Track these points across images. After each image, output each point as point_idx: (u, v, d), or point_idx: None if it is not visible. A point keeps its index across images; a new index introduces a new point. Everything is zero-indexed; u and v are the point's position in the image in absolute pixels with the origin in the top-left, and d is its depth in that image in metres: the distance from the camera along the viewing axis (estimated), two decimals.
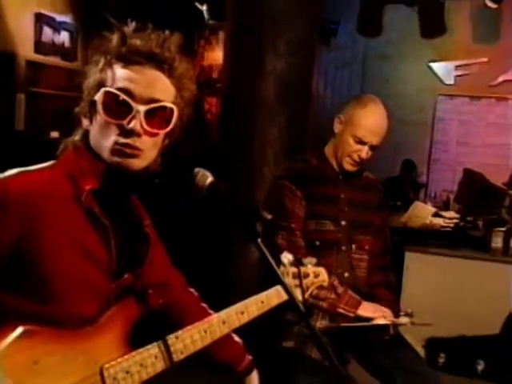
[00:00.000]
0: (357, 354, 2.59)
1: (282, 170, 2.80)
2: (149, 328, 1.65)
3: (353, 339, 2.52)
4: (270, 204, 2.65)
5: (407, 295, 4.16)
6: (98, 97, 1.54)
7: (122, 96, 1.52)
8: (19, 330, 1.41)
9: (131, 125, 1.52)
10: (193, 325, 1.65)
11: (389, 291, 2.80)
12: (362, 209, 2.73)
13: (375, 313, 2.55)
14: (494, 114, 8.84)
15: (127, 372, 1.52)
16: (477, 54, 8.39)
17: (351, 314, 2.53)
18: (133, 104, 1.52)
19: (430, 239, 4.85)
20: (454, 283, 4.52)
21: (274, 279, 1.60)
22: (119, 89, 1.53)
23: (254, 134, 4.46)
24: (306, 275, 1.93)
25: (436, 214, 5.16)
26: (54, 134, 7.39)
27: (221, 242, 4.37)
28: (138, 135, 1.53)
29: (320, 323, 2.55)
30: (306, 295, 1.95)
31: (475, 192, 5.74)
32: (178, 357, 1.60)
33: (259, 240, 1.52)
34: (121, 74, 1.55)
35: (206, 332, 1.65)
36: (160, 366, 1.57)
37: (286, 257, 1.87)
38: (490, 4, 6.63)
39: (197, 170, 1.61)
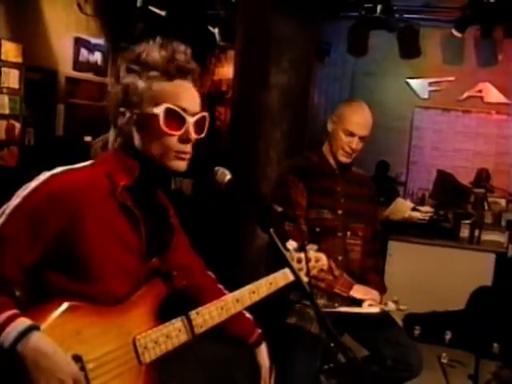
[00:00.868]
0: (349, 328, 2.55)
1: (286, 167, 2.77)
2: (173, 305, 1.63)
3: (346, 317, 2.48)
4: (276, 196, 2.61)
5: (390, 277, 4.12)
6: (159, 111, 1.50)
7: (180, 112, 1.51)
8: (65, 305, 1.40)
9: (188, 135, 1.53)
10: (211, 303, 1.64)
11: (377, 274, 2.76)
12: (356, 200, 2.68)
13: (365, 295, 2.53)
14: (461, 124, 8.87)
15: (156, 342, 1.52)
16: (446, 73, 8.43)
17: (345, 294, 2.52)
18: (186, 117, 1.52)
19: (409, 230, 4.86)
20: (429, 267, 4.54)
21: (279, 261, 1.57)
22: (175, 105, 1.51)
23: (259, 138, 4.45)
24: (309, 260, 1.90)
25: (414, 209, 5.14)
26: (88, 139, 7.40)
27: (233, 230, 4.37)
28: (190, 142, 1.54)
29: (319, 301, 2.51)
30: (308, 278, 1.92)
31: (447, 190, 5.73)
32: (198, 330, 1.59)
33: (271, 230, 1.48)
34: (170, 89, 1.52)
35: (222, 309, 1.64)
36: (183, 337, 1.57)
37: (291, 244, 1.84)
38: (456, 33, 6.79)
39: (217, 168, 1.58)
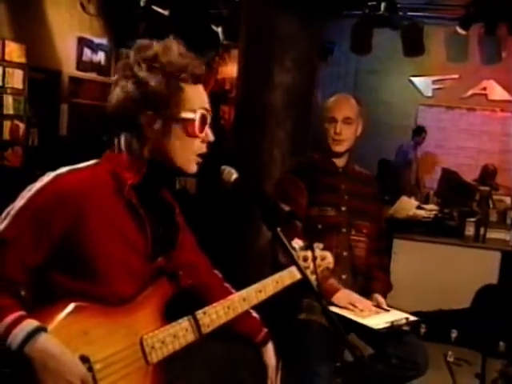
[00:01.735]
0: (354, 327, 2.53)
1: (290, 165, 2.78)
2: (180, 304, 1.63)
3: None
4: (278, 193, 2.61)
5: (395, 276, 4.11)
6: (196, 117, 1.52)
7: (208, 115, 1.55)
8: (71, 306, 1.40)
9: (210, 137, 1.56)
10: (217, 302, 1.63)
11: (383, 272, 2.74)
12: (360, 198, 2.66)
13: (347, 305, 2.43)
14: (465, 122, 8.85)
15: (163, 342, 1.52)
16: (450, 71, 8.42)
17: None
18: (208, 119, 1.55)
19: (413, 228, 4.85)
20: (434, 265, 4.52)
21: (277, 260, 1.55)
22: (203, 108, 1.54)
23: (263, 137, 4.44)
24: (315, 258, 1.89)
25: (419, 207, 5.14)
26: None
27: (238, 229, 4.36)
28: (207, 143, 1.58)
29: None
30: (314, 276, 1.90)
31: (451, 188, 5.72)
32: (205, 330, 1.58)
33: (278, 229, 1.48)
34: (197, 92, 1.55)
35: (229, 308, 1.64)
36: (190, 337, 1.56)
37: (297, 243, 1.83)
38: (460, 30, 6.77)
39: (223, 167, 1.58)
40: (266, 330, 1.88)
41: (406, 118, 8.79)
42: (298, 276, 1.70)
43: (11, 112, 6.69)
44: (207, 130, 1.55)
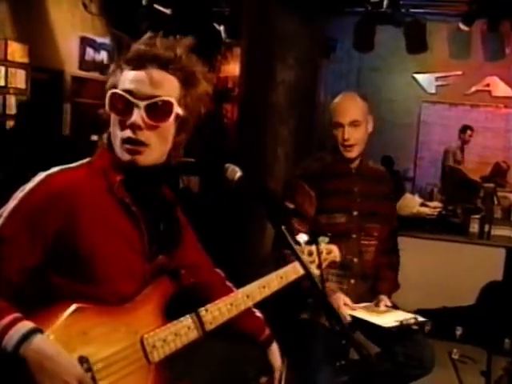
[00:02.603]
0: (360, 325, 2.52)
1: (299, 169, 2.67)
2: (181, 303, 1.62)
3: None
4: (285, 199, 2.55)
5: (399, 273, 4.13)
6: (106, 98, 1.47)
7: (125, 95, 1.45)
8: (72, 307, 1.38)
9: (132, 118, 1.44)
10: (220, 299, 1.61)
11: (391, 271, 2.70)
12: (373, 199, 2.60)
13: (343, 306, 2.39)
14: (469, 118, 8.80)
15: (164, 341, 1.50)
16: (453, 68, 8.41)
17: None
18: (134, 100, 1.44)
19: (417, 226, 4.82)
20: (438, 263, 4.50)
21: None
22: (124, 90, 1.46)
23: (267, 136, 4.43)
24: (320, 252, 1.87)
25: (422, 204, 5.12)
26: (94, 138, 7.38)
27: (241, 227, 4.36)
28: (139, 128, 1.44)
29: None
30: (321, 270, 1.88)
31: (455, 185, 5.70)
32: (208, 327, 1.56)
33: (283, 227, 1.47)
34: (127, 77, 1.48)
35: (232, 305, 1.62)
36: (192, 335, 1.54)
37: (302, 237, 1.81)
38: (463, 27, 6.76)
39: (227, 165, 1.56)
40: (269, 329, 1.86)
41: (410, 115, 8.79)
42: (302, 271, 1.67)
43: (14, 112, 6.69)
44: (142, 113, 1.44)
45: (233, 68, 8.38)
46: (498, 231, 4.72)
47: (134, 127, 1.44)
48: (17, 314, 1.33)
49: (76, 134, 7.67)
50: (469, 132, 8.14)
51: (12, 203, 1.42)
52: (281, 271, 1.74)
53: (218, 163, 1.57)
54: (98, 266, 1.43)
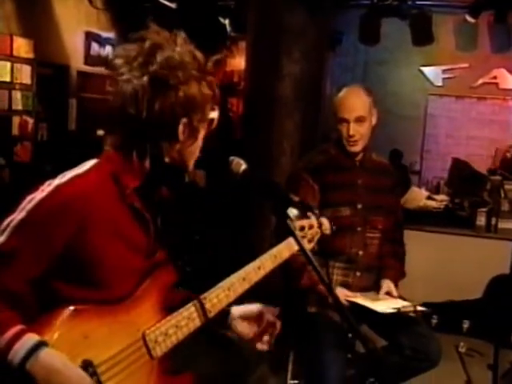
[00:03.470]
0: (366, 318, 2.52)
1: (304, 162, 2.67)
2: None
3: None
4: (288, 189, 2.55)
5: (406, 267, 4.12)
6: (215, 115, 1.52)
7: None
8: (68, 310, 1.37)
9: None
10: (217, 285, 1.60)
11: (395, 260, 2.69)
12: (377, 192, 2.60)
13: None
14: (476, 111, 8.75)
15: (166, 334, 1.50)
16: (460, 60, 8.34)
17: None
18: None
19: (424, 219, 4.80)
20: (445, 256, 4.49)
21: None
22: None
23: (273, 129, 4.43)
24: (311, 227, 1.86)
25: (429, 197, 5.10)
26: (100, 132, 7.40)
27: (247, 220, 4.34)
28: None
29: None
30: (313, 244, 1.88)
31: (462, 178, 5.67)
32: (209, 315, 1.56)
33: (288, 221, 1.46)
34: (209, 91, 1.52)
35: (229, 290, 1.61)
36: (194, 324, 1.54)
37: (292, 211, 1.78)
38: (469, 18, 6.72)
39: (231, 158, 1.56)
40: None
41: (416, 108, 8.73)
42: (296, 247, 1.67)
43: (20, 107, 6.70)
44: None
45: (238, 62, 8.36)
46: (505, 224, 4.69)
47: None
48: (21, 326, 1.31)
49: (82, 128, 7.69)
50: None
51: (20, 215, 1.37)
52: (274, 250, 1.73)
53: (224, 157, 1.57)
54: (105, 271, 1.43)
